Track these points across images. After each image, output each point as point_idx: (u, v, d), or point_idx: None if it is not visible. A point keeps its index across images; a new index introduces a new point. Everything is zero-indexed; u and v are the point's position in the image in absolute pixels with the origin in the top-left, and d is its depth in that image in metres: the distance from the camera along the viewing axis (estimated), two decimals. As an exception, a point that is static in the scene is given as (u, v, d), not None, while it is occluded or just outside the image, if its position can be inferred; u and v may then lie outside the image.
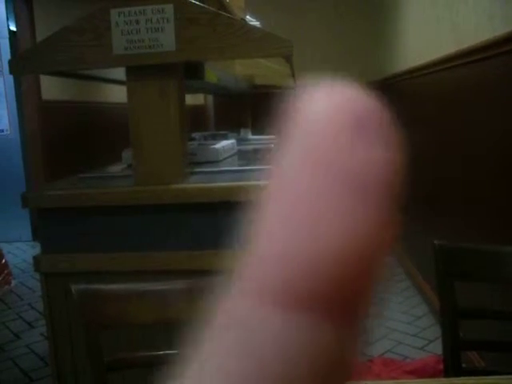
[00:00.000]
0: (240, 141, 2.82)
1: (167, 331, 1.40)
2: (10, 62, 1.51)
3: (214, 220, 1.49)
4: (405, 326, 2.79)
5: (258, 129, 3.61)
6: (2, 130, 4.89)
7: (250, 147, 2.81)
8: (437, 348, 2.47)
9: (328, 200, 0.11)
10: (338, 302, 0.12)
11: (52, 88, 4.45)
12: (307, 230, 0.11)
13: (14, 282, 3.69)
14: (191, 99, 4.37)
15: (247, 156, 2.49)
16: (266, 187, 0.12)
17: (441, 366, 2.11)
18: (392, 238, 0.12)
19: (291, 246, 0.12)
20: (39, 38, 4.19)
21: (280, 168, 0.12)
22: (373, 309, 0.13)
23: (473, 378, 0.90)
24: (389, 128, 0.12)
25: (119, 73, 1.70)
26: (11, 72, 1.49)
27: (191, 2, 1.42)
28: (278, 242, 0.12)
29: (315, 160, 0.11)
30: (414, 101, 3.35)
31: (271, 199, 0.12)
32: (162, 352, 0.96)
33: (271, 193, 0.12)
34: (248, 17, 3.40)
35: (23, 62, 1.51)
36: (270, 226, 0.12)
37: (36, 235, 4.82)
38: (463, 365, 1.21)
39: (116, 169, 1.99)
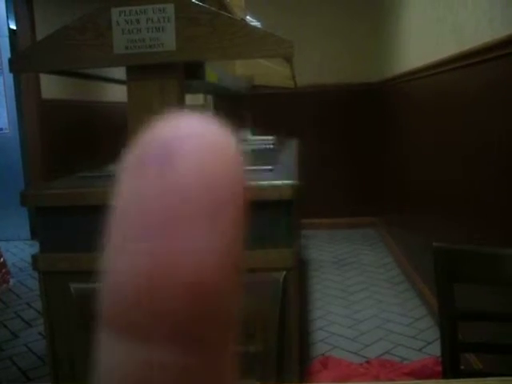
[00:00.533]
0: (239, 141, 2.82)
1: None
2: (11, 60, 1.51)
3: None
4: (403, 328, 2.79)
5: (257, 129, 3.61)
6: (1, 129, 4.88)
7: (250, 148, 2.81)
8: (435, 350, 2.47)
9: (178, 224, 0.11)
10: (189, 327, 0.11)
11: (52, 87, 4.44)
12: (156, 255, 0.11)
13: (12, 281, 3.69)
14: (191, 99, 4.37)
15: (246, 156, 2.48)
16: (115, 207, 0.12)
17: (439, 368, 2.11)
18: (239, 271, 0.11)
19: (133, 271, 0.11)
20: (39, 36, 4.18)
21: (128, 189, 0.12)
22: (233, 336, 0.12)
23: (471, 379, 0.90)
24: (235, 158, 0.12)
25: (119, 72, 1.70)
26: (11, 70, 1.49)
27: (192, 2, 1.42)
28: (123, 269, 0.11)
29: (166, 183, 0.11)
30: (415, 102, 3.35)
31: (119, 220, 0.12)
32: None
33: (119, 213, 0.12)
34: (248, 17, 3.40)
35: (24, 61, 1.51)
36: (118, 254, 0.11)
37: (34, 234, 4.82)
38: (461, 367, 1.21)
39: (115, 168, 1.99)
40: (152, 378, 0.11)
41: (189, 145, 0.11)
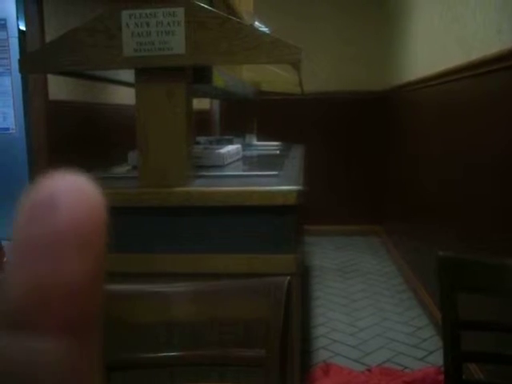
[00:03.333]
0: (245, 146, 2.83)
1: (170, 333, 1.40)
2: (20, 61, 1.52)
3: (217, 224, 1.49)
4: (405, 337, 2.78)
5: (263, 135, 3.62)
6: (8, 129, 4.90)
7: (255, 153, 2.82)
8: (437, 359, 2.46)
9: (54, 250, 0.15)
10: (67, 321, 0.15)
11: (59, 88, 4.46)
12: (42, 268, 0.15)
13: (14, 281, 3.69)
14: (197, 104, 4.38)
15: (252, 161, 2.49)
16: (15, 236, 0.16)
17: (440, 377, 2.10)
18: (100, 281, 0.16)
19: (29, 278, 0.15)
20: (48, 38, 4.20)
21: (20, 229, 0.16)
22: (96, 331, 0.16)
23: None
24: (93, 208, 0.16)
25: (126, 74, 1.70)
26: (21, 70, 1.50)
27: (202, 7, 1.43)
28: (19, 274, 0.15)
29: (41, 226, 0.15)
30: (421, 111, 3.36)
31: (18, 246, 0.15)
32: (164, 354, 0.96)
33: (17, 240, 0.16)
34: (257, 22, 3.41)
35: (33, 62, 1.52)
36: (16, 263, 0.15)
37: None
38: (463, 376, 1.20)
39: (121, 170, 2.00)
40: (34, 361, 0.15)
41: (66, 196, 0.15)
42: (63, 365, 0.15)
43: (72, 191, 0.16)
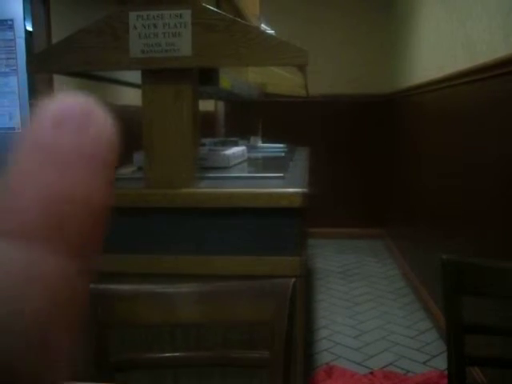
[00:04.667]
0: (250, 148, 2.83)
1: (174, 334, 1.41)
2: (28, 60, 1.53)
3: (223, 225, 1.50)
4: (408, 340, 2.78)
5: (268, 137, 3.62)
6: (14, 128, 4.92)
7: (260, 155, 2.82)
8: (439, 363, 2.46)
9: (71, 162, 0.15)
10: (70, 236, 0.15)
11: (65, 88, 4.48)
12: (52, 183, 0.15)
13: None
14: (202, 105, 4.39)
15: (257, 163, 2.49)
16: (21, 148, 0.15)
17: (443, 381, 2.10)
18: (106, 193, 0.16)
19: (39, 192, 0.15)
20: (55, 38, 4.22)
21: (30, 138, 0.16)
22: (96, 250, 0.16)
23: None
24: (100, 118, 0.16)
25: (132, 75, 1.71)
26: (28, 70, 1.51)
27: (209, 9, 1.44)
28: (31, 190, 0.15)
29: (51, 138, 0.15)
30: (426, 114, 3.35)
31: (25, 157, 0.15)
32: (168, 354, 0.96)
33: (25, 153, 0.15)
34: (263, 25, 3.42)
35: (40, 62, 1.52)
36: (24, 177, 0.15)
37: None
38: (466, 381, 1.20)
39: (126, 171, 2.00)
40: (36, 272, 0.14)
41: (90, 120, 0.16)
42: (59, 281, 0.14)
43: (93, 113, 0.16)
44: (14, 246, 0.14)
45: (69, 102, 0.16)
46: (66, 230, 0.15)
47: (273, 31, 3.42)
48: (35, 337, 0.14)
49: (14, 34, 4.82)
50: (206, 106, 4.89)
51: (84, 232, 0.15)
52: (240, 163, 2.24)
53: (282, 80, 3.49)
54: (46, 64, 1.51)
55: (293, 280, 0.96)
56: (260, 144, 3.39)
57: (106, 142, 0.16)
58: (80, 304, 0.15)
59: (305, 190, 1.48)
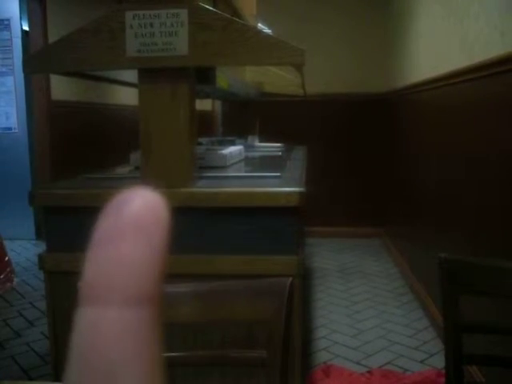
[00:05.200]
0: (247, 147, 2.83)
1: (171, 333, 1.40)
2: (24, 60, 1.52)
3: (219, 225, 1.49)
4: (406, 339, 2.78)
5: (265, 136, 3.62)
6: (10, 128, 4.91)
7: (257, 154, 2.82)
8: (437, 362, 2.46)
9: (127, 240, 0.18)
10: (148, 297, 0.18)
11: (61, 88, 4.47)
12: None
13: (16, 280, 3.70)
14: (199, 105, 4.39)
15: (254, 163, 2.49)
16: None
17: (441, 380, 2.10)
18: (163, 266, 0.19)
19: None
20: (51, 38, 4.21)
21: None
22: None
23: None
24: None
25: (129, 74, 1.71)
26: (24, 70, 1.50)
27: (205, 8, 1.43)
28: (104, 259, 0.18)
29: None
30: (423, 113, 3.36)
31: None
32: (166, 354, 0.96)
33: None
34: (260, 24, 3.42)
35: (37, 61, 1.52)
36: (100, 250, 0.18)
37: (39, 233, 4.83)
38: (464, 379, 1.20)
39: (123, 170, 2.00)
40: (113, 328, 0.17)
41: (135, 200, 0.19)
42: (127, 333, 0.17)
43: (140, 197, 0.19)
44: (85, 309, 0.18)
45: (139, 206, 0.19)
46: (119, 289, 0.18)
47: (270, 30, 3.42)
48: None
49: (11, 34, 4.83)
50: (203, 105, 4.89)
51: (137, 289, 0.18)
52: (237, 162, 2.24)
53: (279, 79, 3.50)
54: (42, 64, 1.51)
55: (290, 279, 0.96)
56: (257, 143, 3.39)
57: (157, 221, 0.19)
58: (160, 343, 0.18)
59: (302, 189, 1.48)
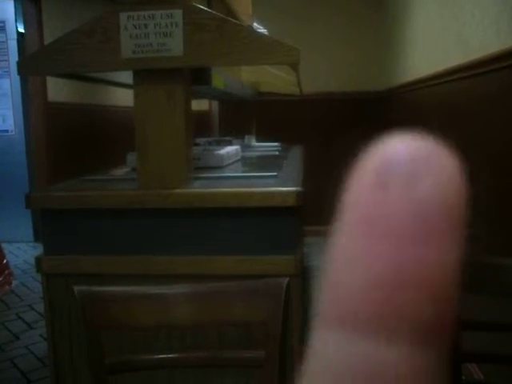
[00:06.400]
0: (244, 147, 2.83)
1: (169, 334, 1.40)
2: (19, 63, 1.52)
3: (216, 225, 1.49)
4: (404, 337, 2.78)
5: (262, 136, 3.61)
6: (7, 131, 4.90)
7: (254, 154, 2.82)
8: (436, 360, 2.46)
9: (423, 237, 0.12)
10: (426, 326, 0.12)
11: (58, 90, 4.46)
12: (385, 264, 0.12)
13: (14, 283, 3.69)
14: (196, 105, 4.38)
15: (251, 163, 2.49)
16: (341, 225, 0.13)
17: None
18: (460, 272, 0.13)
19: (373, 275, 0.12)
20: (47, 40, 4.20)
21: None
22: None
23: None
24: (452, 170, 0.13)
25: (125, 76, 1.70)
26: (19, 72, 1.50)
27: (200, 8, 1.43)
28: (360, 271, 0.12)
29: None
30: (421, 111, 3.36)
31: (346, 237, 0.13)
32: (163, 355, 0.96)
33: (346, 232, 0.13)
34: (255, 24, 3.42)
35: (32, 63, 1.52)
36: (347, 259, 0.13)
37: (37, 236, 4.83)
38: (463, 377, 1.20)
39: (120, 172, 2.00)
40: (378, 372, 0.12)
41: (427, 168, 0.13)
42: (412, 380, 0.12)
43: (430, 158, 0.13)
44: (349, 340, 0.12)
45: (394, 151, 0.13)
46: (409, 317, 0.12)
47: (265, 30, 3.42)
48: None
49: (6, 36, 4.82)
50: (200, 105, 4.89)
51: (433, 316, 0.12)
52: (234, 163, 2.24)
53: (275, 79, 3.49)
54: (38, 66, 1.51)
55: (287, 279, 0.96)
56: (254, 143, 3.39)
57: (461, 203, 0.13)
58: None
59: (299, 188, 1.48)
